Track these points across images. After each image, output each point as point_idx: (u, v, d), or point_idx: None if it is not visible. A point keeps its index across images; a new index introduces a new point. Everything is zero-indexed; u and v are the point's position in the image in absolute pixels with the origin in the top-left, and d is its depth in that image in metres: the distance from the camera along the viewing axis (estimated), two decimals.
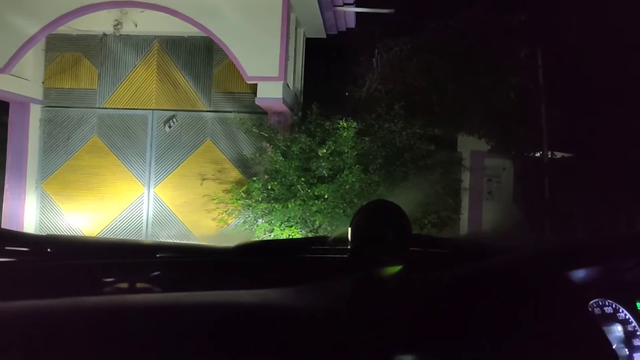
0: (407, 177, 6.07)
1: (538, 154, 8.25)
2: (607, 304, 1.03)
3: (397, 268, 1.08)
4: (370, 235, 1.19)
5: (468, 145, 7.96)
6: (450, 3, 7.94)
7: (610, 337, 0.96)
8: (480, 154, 7.99)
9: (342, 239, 1.24)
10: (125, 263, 1.12)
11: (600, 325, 0.94)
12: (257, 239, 5.73)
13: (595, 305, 1.03)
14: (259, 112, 6.79)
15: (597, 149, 7.27)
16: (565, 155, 8.31)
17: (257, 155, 6.40)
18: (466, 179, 7.94)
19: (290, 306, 0.81)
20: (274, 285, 0.90)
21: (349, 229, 1.20)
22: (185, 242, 6.62)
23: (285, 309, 0.80)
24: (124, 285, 1.04)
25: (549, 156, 8.05)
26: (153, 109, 7.22)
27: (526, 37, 7.49)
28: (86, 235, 6.95)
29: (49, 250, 1.11)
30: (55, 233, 7.26)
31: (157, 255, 1.16)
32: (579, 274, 1.00)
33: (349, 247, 1.21)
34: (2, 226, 7.14)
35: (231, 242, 1.26)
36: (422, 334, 0.76)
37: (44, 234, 7.10)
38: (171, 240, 7.08)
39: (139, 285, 1.05)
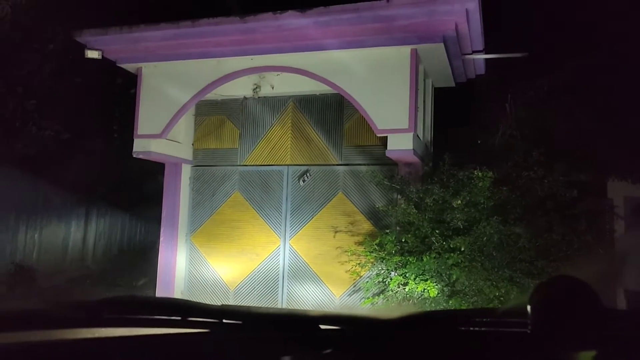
0: (551, 228, 5.63)
1: None
2: None
3: (592, 354, 0.99)
4: (556, 316, 1.08)
5: (620, 191, 7.20)
6: (591, 38, 7.43)
7: None
8: (636, 200, 7.17)
9: (510, 312, 1.16)
10: (292, 337, 1.15)
11: None
12: (421, 310, 5.60)
13: None
14: (390, 164, 6.82)
15: None
16: None
17: (389, 207, 6.38)
18: (620, 229, 7.16)
19: None
20: None
21: (528, 307, 1.11)
22: (344, 311, 6.56)
23: None
24: None
25: None
26: (288, 165, 7.60)
27: None
28: (255, 306, 7.12)
29: (224, 321, 1.18)
30: (202, 283, 7.80)
31: (320, 327, 1.17)
32: None
33: (528, 325, 1.11)
34: (158, 275, 7.86)
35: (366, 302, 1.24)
36: None
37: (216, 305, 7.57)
38: (311, 296, 7.22)
39: None
